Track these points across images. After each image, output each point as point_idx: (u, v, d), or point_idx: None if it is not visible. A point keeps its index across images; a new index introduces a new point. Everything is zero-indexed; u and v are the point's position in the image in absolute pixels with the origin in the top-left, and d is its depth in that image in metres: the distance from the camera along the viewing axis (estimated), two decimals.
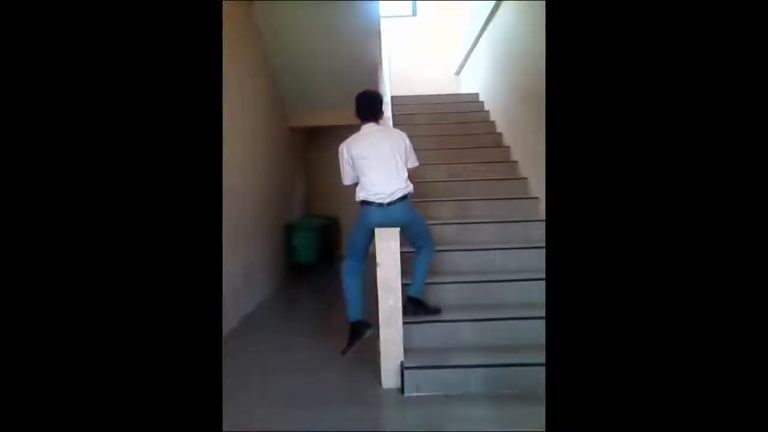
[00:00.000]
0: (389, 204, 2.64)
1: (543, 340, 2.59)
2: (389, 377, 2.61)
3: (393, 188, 2.65)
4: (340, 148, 2.78)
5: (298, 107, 6.00)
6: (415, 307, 2.81)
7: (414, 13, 8.12)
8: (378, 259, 2.62)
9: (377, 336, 2.67)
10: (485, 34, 5.64)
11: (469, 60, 6.73)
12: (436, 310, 2.89)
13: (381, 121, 2.89)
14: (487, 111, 5.59)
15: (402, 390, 2.54)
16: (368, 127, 2.77)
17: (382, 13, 5.07)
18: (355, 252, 2.80)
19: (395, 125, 3.33)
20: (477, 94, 6.09)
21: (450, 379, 2.55)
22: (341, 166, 2.79)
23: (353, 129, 2.85)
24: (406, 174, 2.73)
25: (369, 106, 2.79)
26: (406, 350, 2.64)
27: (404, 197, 2.69)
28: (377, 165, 2.66)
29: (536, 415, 2.22)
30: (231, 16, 4.02)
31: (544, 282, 3.05)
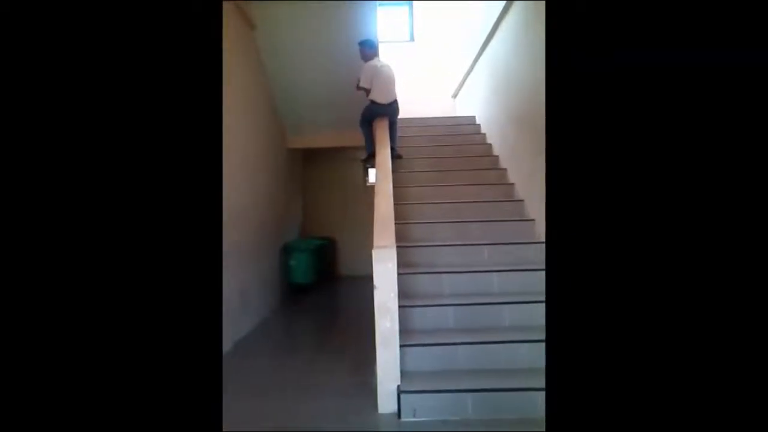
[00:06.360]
0: (388, 104, 4.63)
1: (540, 364, 2.57)
2: (386, 401, 2.57)
3: (391, 95, 4.68)
4: (370, 64, 4.59)
5: (296, 129, 6.05)
6: (392, 153, 4.37)
7: (411, 38, 8.27)
8: (375, 282, 2.61)
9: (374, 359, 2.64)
10: (482, 58, 5.74)
11: (466, 83, 6.82)
12: (399, 156, 4.94)
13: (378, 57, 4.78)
14: (484, 134, 5.65)
15: (399, 414, 2.51)
16: (378, 60, 4.69)
17: (380, 38, 5.19)
18: (366, 122, 4.72)
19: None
20: (473, 117, 6.16)
21: (447, 403, 2.51)
22: (366, 76, 4.58)
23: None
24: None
25: (374, 48, 4.74)
26: (402, 373, 2.60)
27: (395, 101, 4.71)
28: (384, 81, 4.61)
29: None
30: (234, 41, 4.09)
31: (541, 305, 3.06)
